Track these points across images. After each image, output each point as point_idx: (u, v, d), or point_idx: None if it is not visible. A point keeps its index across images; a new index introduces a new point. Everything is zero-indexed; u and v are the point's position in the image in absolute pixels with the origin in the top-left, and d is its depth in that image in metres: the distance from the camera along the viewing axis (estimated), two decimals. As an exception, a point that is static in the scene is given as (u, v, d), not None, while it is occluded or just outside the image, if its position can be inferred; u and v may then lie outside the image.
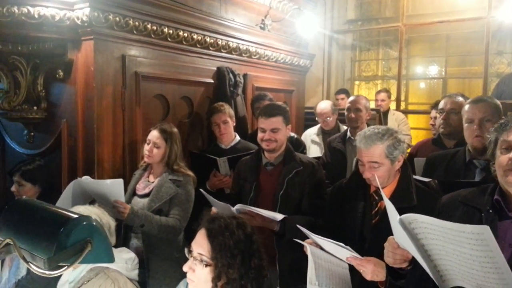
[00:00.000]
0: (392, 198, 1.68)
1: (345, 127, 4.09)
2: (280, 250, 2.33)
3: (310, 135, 4.10)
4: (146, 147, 2.57)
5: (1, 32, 2.52)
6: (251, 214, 2.12)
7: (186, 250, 1.43)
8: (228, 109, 3.22)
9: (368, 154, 1.86)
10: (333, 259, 1.78)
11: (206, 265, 1.36)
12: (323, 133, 4.04)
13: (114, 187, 2.29)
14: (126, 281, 1.78)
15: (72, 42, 2.72)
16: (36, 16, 2.48)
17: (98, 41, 2.69)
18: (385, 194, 1.50)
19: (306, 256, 1.95)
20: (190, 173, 2.61)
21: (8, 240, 0.84)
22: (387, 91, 5.19)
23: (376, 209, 1.93)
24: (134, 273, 1.88)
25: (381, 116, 4.74)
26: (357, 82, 6.40)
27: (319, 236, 1.74)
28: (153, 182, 2.57)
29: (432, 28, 5.68)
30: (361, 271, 1.68)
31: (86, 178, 2.40)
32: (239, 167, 2.60)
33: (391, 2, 6.03)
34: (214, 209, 2.30)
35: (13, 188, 2.62)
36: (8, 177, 2.76)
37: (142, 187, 2.59)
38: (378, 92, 5.24)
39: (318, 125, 4.12)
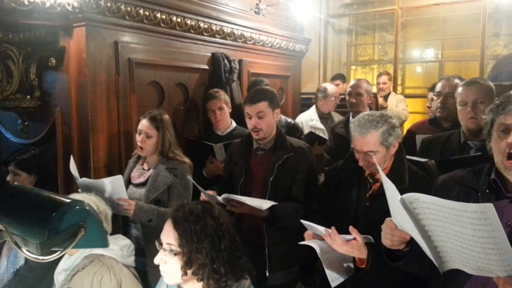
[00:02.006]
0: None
1: (337, 114, 4.12)
2: (269, 235, 2.33)
3: (308, 121, 4.08)
4: (138, 138, 2.50)
5: (-10, 19, 2.47)
6: (238, 203, 2.12)
7: (156, 243, 1.40)
8: (224, 96, 3.19)
9: (363, 142, 1.85)
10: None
11: (175, 254, 1.34)
12: (320, 117, 4.05)
13: (114, 184, 2.25)
14: (122, 268, 1.78)
15: (64, 29, 2.67)
16: (26, 3, 2.42)
17: (90, 27, 2.64)
18: (378, 178, 1.49)
19: (294, 241, 1.97)
20: (187, 160, 2.57)
21: (0, 226, 0.83)
22: (388, 74, 5.19)
23: (371, 192, 1.94)
24: (130, 260, 1.88)
25: (377, 99, 4.73)
26: (353, 67, 6.37)
27: (318, 226, 1.74)
28: (148, 170, 2.53)
29: (428, 10, 5.64)
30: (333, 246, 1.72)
31: (83, 180, 2.35)
32: (230, 150, 2.59)
33: (386, -15, 5.97)
34: (203, 195, 2.30)
35: (8, 178, 2.60)
36: (3, 167, 2.74)
37: (137, 176, 2.55)
38: (379, 75, 5.24)
39: (313, 109, 4.11)
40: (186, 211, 1.36)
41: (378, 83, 5.13)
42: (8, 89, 2.75)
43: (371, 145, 1.83)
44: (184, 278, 1.35)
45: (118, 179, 2.27)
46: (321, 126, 4.00)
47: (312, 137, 3.76)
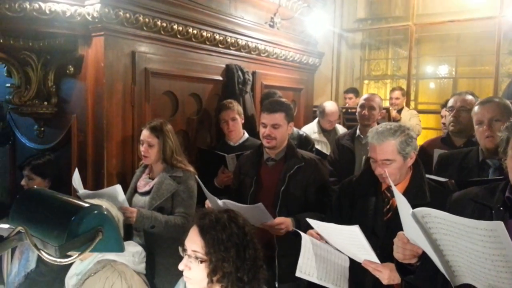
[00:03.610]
0: (405, 195, 1.67)
1: (341, 127, 4.11)
2: (280, 246, 2.33)
3: (311, 134, 4.08)
4: (141, 148, 2.54)
5: (12, 27, 2.53)
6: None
7: (180, 249, 1.42)
8: (237, 106, 3.22)
9: (380, 150, 1.85)
10: (334, 251, 1.76)
11: (201, 262, 1.35)
12: (323, 131, 4.06)
13: (112, 193, 2.27)
14: (133, 274, 1.79)
15: (83, 38, 2.74)
16: (48, 12, 2.49)
17: (109, 37, 2.70)
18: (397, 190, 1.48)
19: None
20: (191, 168, 2.59)
21: (20, 228, 0.84)
22: (401, 89, 5.19)
23: (388, 206, 1.92)
24: (141, 267, 1.89)
25: (390, 114, 4.73)
26: (366, 81, 6.37)
27: (327, 224, 1.72)
28: (153, 180, 2.56)
29: (443, 27, 5.64)
30: (377, 275, 1.66)
31: (84, 192, 2.37)
32: (241, 161, 2.61)
33: (401, 1, 6.00)
34: (208, 202, 2.32)
35: (23, 182, 2.64)
36: (18, 171, 2.79)
37: (142, 185, 2.58)
38: (392, 90, 5.24)
39: (315, 123, 4.11)
40: (212, 219, 1.38)
41: (391, 98, 5.14)
42: (26, 95, 2.80)
43: (388, 153, 1.83)
44: (209, 285, 1.38)
45: (115, 188, 2.29)
46: (324, 139, 4.00)
47: (318, 155, 3.76)
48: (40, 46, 2.73)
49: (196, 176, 2.38)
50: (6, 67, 2.88)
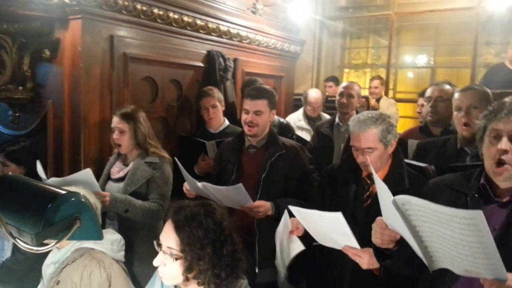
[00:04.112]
0: (384, 182, 1.69)
1: (326, 115, 4.17)
2: (260, 231, 2.35)
3: (296, 121, 4.13)
4: (114, 136, 2.51)
5: (-16, 9, 2.44)
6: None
7: (155, 243, 1.39)
8: (217, 93, 3.20)
9: (362, 138, 1.87)
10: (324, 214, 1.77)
11: (176, 259, 1.32)
12: (308, 118, 4.14)
13: (84, 178, 2.22)
14: (112, 262, 1.77)
15: (59, 21, 2.66)
16: (23, -7, 2.41)
17: (86, 20, 2.63)
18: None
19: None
20: (166, 154, 2.58)
21: (-6, 216, 0.82)
22: (380, 78, 5.27)
23: (368, 193, 1.95)
24: (120, 255, 1.87)
25: (369, 103, 4.79)
26: (346, 70, 6.41)
27: (309, 210, 1.74)
28: (127, 166, 2.53)
29: (423, 17, 5.69)
30: (357, 260, 1.69)
31: (52, 180, 2.31)
32: (222, 148, 2.61)
33: (382, -10, 6.02)
34: (186, 185, 2.34)
35: (-3, 169, 2.58)
36: (-8, 158, 2.71)
37: (116, 171, 2.55)
38: (371, 79, 5.32)
39: (301, 111, 4.21)
40: (188, 215, 1.33)
41: (370, 87, 5.21)
42: (0, 79, 2.71)
43: (370, 141, 1.86)
44: (184, 282, 1.36)
45: (86, 172, 2.25)
46: (307, 127, 4.07)
47: (298, 141, 3.80)
48: (15, 28, 2.65)
49: (176, 159, 2.36)
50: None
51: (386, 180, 1.89)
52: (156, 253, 1.39)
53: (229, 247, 1.35)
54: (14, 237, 0.81)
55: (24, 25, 2.64)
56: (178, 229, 1.32)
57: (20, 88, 2.76)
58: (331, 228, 1.68)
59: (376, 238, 1.46)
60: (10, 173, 2.52)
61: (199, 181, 2.28)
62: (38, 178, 2.59)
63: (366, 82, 6.07)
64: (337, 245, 1.75)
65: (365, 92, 5.43)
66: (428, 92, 2.78)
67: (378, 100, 5.03)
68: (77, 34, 2.63)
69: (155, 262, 1.37)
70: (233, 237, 1.39)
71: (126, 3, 2.76)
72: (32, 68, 2.79)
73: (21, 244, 0.80)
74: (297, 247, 1.94)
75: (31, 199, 0.85)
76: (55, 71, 2.74)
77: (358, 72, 6.50)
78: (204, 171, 2.99)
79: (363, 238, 1.68)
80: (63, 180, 2.27)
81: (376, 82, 5.16)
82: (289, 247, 1.97)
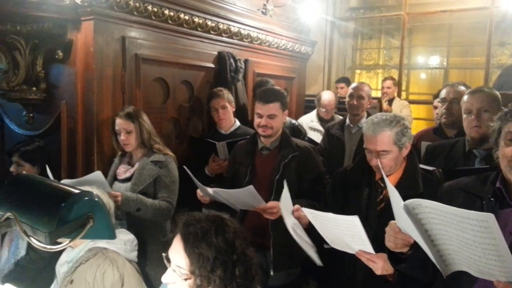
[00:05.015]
0: (398, 186, 1.68)
1: (339, 117, 4.15)
2: (275, 234, 2.33)
3: (308, 122, 4.12)
4: (121, 137, 2.53)
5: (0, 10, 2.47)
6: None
7: (164, 257, 1.32)
8: (227, 94, 3.20)
9: (376, 141, 1.84)
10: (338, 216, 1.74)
11: (186, 279, 1.26)
12: (321, 120, 4.12)
13: (94, 180, 2.24)
14: (125, 261, 1.78)
15: (72, 22, 2.68)
16: (36, -6, 2.43)
17: (98, 21, 2.64)
18: (390, 182, 1.49)
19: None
20: (169, 152, 2.61)
21: (8, 214, 0.83)
22: (393, 78, 5.22)
23: (382, 196, 1.92)
24: (133, 255, 1.88)
25: (381, 104, 4.75)
26: (358, 71, 6.37)
27: (324, 213, 1.71)
28: (133, 166, 2.56)
29: (435, 17, 5.64)
30: (371, 266, 1.66)
31: (64, 182, 2.29)
32: (235, 151, 2.60)
33: (394, -10, 5.97)
34: (199, 191, 2.33)
35: (12, 169, 2.60)
36: (7, 158, 2.74)
37: (122, 172, 2.58)
38: (384, 80, 5.27)
39: (314, 112, 4.19)
40: (198, 232, 1.26)
41: (382, 88, 5.16)
42: (14, 80, 2.74)
43: (384, 144, 1.83)
44: None
45: (98, 175, 2.27)
46: (320, 128, 4.04)
47: (310, 143, 3.78)
48: (28, 30, 2.67)
49: (185, 167, 2.37)
50: (-7, 52, 2.81)
51: (399, 183, 1.87)
52: (163, 249, 1.36)
53: (241, 267, 1.28)
54: (28, 236, 0.82)
55: (37, 26, 2.66)
56: (188, 248, 1.26)
57: (34, 88, 2.79)
58: (346, 232, 1.65)
59: (389, 242, 1.44)
60: (24, 172, 2.55)
61: (211, 186, 2.28)
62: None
63: (378, 83, 6.03)
64: (350, 249, 1.72)
65: (377, 94, 5.39)
66: (443, 94, 2.74)
67: (390, 102, 4.99)
68: (89, 35, 2.65)
69: (164, 279, 1.31)
70: (246, 255, 1.31)
71: (137, 4, 2.78)
72: (46, 69, 2.81)
73: (35, 243, 0.81)
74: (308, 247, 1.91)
75: (45, 198, 0.86)
76: (68, 72, 2.77)
77: (370, 73, 6.46)
78: (215, 172, 2.99)
79: (376, 242, 1.66)
80: (75, 181, 2.29)
81: (388, 83, 5.12)
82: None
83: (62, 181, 2.30)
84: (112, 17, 2.70)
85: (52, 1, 2.50)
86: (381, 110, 4.66)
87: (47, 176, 2.40)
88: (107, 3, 2.61)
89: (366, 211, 1.93)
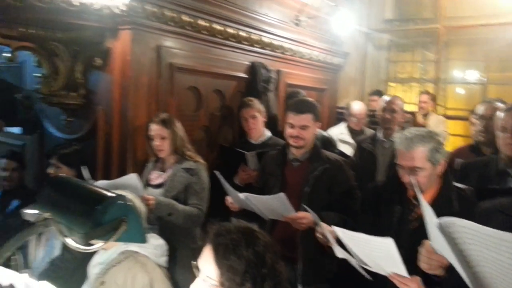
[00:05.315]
0: (432, 205, 1.61)
1: (370, 130, 4.07)
2: (304, 247, 2.30)
3: (337, 135, 4.06)
4: (155, 143, 2.57)
5: (42, 18, 2.57)
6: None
7: (193, 265, 1.32)
8: (257, 104, 3.21)
9: (409, 157, 1.78)
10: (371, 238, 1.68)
11: None
12: (351, 132, 4.05)
13: (129, 182, 2.29)
14: (154, 266, 1.80)
15: (110, 31, 2.77)
16: (76, 4, 2.50)
17: (135, 31, 2.73)
18: (424, 200, 1.44)
19: (328, 254, 1.92)
20: (201, 159, 2.65)
21: (46, 215, 0.86)
22: (429, 93, 5.10)
23: (414, 214, 1.85)
24: (163, 260, 1.90)
25: (416, 119, 4.65)
26: (392, 84, 6.26)
27: (356, 233, 1.67)
28: (165, 172, 2.60)
29: (473, 31, 5.48)
30: None
31: (100, 183, 2.40)
32: (265, 161, 2.60)
33: (430, 3, 5.85)
34: (228, 198, 2.34)
35: (50, 170, 2.69)
36: (46, 160, 2.85)
37: (155, 177, 2.62)
38: (420, 94, 5.17)
39: (344, 124, 4.13)
40: (228, 244, 1.26)
41: (419, 102, 5.05)
42: (55, 85, 2.85)
43: (418, 160, 1.77)
44: None
45: (133, 177, 2.31)
46: (351, 141, 3.96)
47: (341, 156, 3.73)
48: (68, 37, 2.77)
49: (217, 172, 2.39)
50: (35, 57, 2.94)
51: (434, 202, 1.80)
52: (192, 256, 1.36)
53: (271, 282, 1.26)
54: (64, 236, 0.84)
55: (77, 34, 2.76)
56: (218, 259, 1.25)
57: (73, 94, 2.89)
58: (378, 254, 1.60)
59: (423, 263, 1.39)
60: (62, 174, 2.64)
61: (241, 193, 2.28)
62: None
63: (413, 97, 5.90)
64: (382, 271, 1.67)
65: (411, 108, 5.28)
66: (480, 110, 2.66)
67: (426, 117, 4.87)
68: (126, 44, 2.73)
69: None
70: (276, 269, 1.29)
71: (172, 14, 2.85)
72: (85, 75, 2.91)
73: (69, 243, 0.83)
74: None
75: (81, 200, 0.88)
76: (106, 79, 2.86)
77: (404, 86, 6.33)
78: (244, 181, 2.99)
79: (408, 262, 1.60)
80: (110, 183, 2.35)
81: (425, 97, 4.99)
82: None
83: (98, 182, 2.38)
84: (148, 26, 2.78)
85: (92, 10, 2.59)
86: (415, 124, 4.55)
87: (83, 179, 2.48)
88: (144, 13, 2.69)
89: (398, 229, 1.86)
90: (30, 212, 2.05)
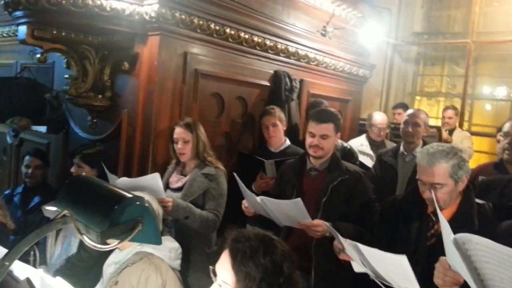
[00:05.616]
0: (452, 222, 1.58)
1: (391, 143, 4.01)
2: (317, 258, 2.28)
3: (358, 146, 4.01)
4: (178, 146, 2.60)
5: (75, 22, 2.66)
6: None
7: (210, 269, 1.33)
8: (279, 113, 3.21)
9: (431, 172, 1.76)
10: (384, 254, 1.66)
11: None
12: (371, 143, 4.00)
13: (151, 181, 2.33)
14: (168, 269, 1.82)
15: (139, 36, 2.84)
16: (108, 9, 2.60)
17: (163, 37, 2.79)
18: (444, 217, 1.41)
19: (342, 265, 1.90)
20: (221, 165, 2.66)
21: (65, 212, 0.88)
22: (455, 108, 4.98)
23: (433, 231, 1.83)
24: (176, 263, 1.92)
25: (441, 134, 4.55)
26: (418, 98, 6.16)
27: (371, 248, 1.65)
28: (185, 176, 2.62)
29: (504, 47, 5.35)
30: None
31: (122, 179, 2.45)
32: (283, 169, 2.60)
33: (461, 17, 5.75)
34: (244, 202, 2.35)
35: (72, 169, 2.76)
36: (70, 159, 2.92)
37: (175, 181, 2.65)
38: (445, 109, 5.05)
39: (364, 136, 4.08)
40: (246, 251, 1.26)
41: (443, 117, 4.94)
42: (83, 87, 2.94)
43: (439, 176, 1.74)
44: None
45: (155, 177, 2.34)
46: (370, 152, 3.91)
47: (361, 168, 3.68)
48: (99, 41, 2.86)
49: (235, 174, 2.40)
50: (66, 59, 3.04)
51: (453, 219, 1.76)
52: (207, 260, 1.36)
53: None
54: (81, 233, 0.86)
55: (107, 39, 2.85)
56: (235, 265, 1.26)
57: (100, 96, 2.98)
58: (392, 270, 1.58)
59: (438, 279, 1.37)
60: (83, 174, 2.70)
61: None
62: (108, 181, 2.75)
63: (439, 112, 5.78)
64: (396, 286, 1.64)
65: (437, 122, 5.17)
66: (506, 127, 2.60)
67: (451, 132, 4.76)
68: (154, 49, 2.79)
69: None
70: (293, 279, 1.29)
71: (201, 22, 2.90)
72: (112, 78, 2.99)
73: (87, 241, 0.85)
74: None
75: (100, 199, 0.90)
76: (132, 83, 2.93)
77: (430, 100, 6.21)
78: (261, 189, 2.99)
79: (425, 279, 1.56)
80: (133, 180, 2.40)
81: (450, 112, 4.89)
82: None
83: (121, 179, 2.42)
84: (176, 33, 2.83)
85: (123, 16, 2.67)
86: (440, 139, 4.46)
87: (105, 178, 2.53)
88: (173, 20, 2.75)
89: (415, 245, 1.83)
90: (50, 209, 2.12)
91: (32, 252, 1.92)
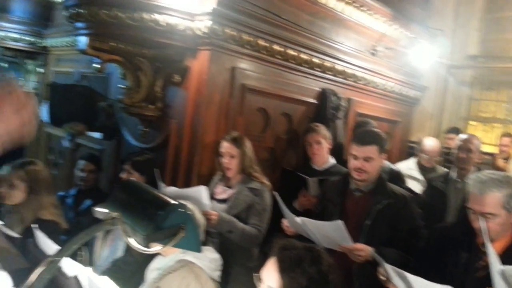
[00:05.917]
0: (504, 254, 1.49)
1: (442, 168, 3.85)
2: (358, 282, 2.20)
3: (406, 170, 3.88)
4: (224, 160, 2.63)
5: (131, 34, 2.79)
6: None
7: (254, 276, 1.35)
8: (323, 130, 3.18)
9: (482, 201, 1.68)
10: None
11: None
12: (421, 168, 3.86)
13: (197, 194, 2.37)
14: (208, 279, 1.83)
15: (191, 51, 2.93)
16: (163, 24, 2.71)
17: (214, 52, 2.86)
18: (495, 249, 1.33)
19: None
20: (266, 181, 2.66)
21: (115, 214, 0.92)
22: (511, 136, 4.74)
23: (484, 262, 1.71)
24: (216, 274, 1.93)
25: (495, 162, 4.32)
26: (472, 123, 5.89)
27: (417, 278, 1.58)
28: (230, 188, 2.64)
29: None
30: None
31: (169, 189, 2.53)
32: (326, 187, 2.56)
33: (518, 41, 5.48)
34: (285, 221, 2.32)
35: (122, 175, 2.86)
36: (120, 165, 3.04)
37: (219, 192, 2.68)
38: (502, 136, 4.81)
39: (413, 160, 3.94)
40: (293, 258, 1.28)
41: (499, 145, 4.70)
42: (136, 97, 3.07)
43: (491, 206, 1.66)
44: None
45: (203, 190, 2.38)
46: (420, 177, 3.77)
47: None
48: (152, 54, 2.98)
49: (276, 193, 2.40)
50: (121, 70, 3.19)
51: (506, 252, 1.66)
52: (250, 278, 1.37)
53: None
54: (127, 236, 0.90)
55: (160, 52, 2.96)
56: (282, 271, 1.27)
57: (151, 106, 3.09)
58: None
59: None
60: (133, 179, 2.80)
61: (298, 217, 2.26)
62: (154, 189, 2.83)
63: (494, 138, 5.50)
64: None
65: (491, 149, 4.92)
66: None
67: (506, 160, 4.51)
68: (204, 63, 2.87)
69: None
70: None
71: (250, 38, 2.96)
72: (163, 90, 3.10)
73: (132, 243, 0.88)
74: None
75: (146, 204, 0.94)
76: (182, 95, 3.02)
77: (485, 126, 5.92)
78: (303, 207, 2.96)
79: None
80: (180, 191, 2.48)
81: (506, 140, 4.65)
82: None
83: (169, 188, 2.50)
84: (226, 48, 2.90)
85: (176, 31, 2.77)
86: (494, 167, 4.23)
87: (153, 185, 2.61)
88: (224, 36, 2.82)
89: (464, 276, 1.74)
90: (100, 211, 2.20)
91: (80, 252, 2.00)
